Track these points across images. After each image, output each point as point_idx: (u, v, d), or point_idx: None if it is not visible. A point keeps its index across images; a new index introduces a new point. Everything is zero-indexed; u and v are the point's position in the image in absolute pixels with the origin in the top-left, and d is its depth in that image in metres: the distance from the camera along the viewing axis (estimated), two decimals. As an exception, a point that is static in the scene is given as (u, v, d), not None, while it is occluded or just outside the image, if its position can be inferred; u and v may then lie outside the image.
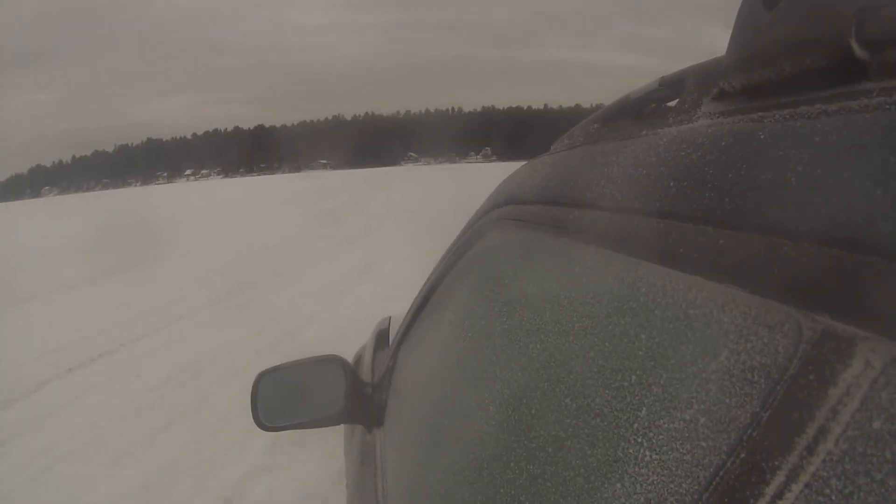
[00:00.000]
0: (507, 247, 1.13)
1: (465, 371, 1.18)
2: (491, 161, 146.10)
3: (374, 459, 1.61)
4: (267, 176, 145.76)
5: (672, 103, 0.75)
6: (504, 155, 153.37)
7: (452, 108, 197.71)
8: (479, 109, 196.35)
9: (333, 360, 1.66)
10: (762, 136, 0.48)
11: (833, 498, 0.34)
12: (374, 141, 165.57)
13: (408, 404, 1.50)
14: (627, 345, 0.61)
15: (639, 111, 0.85)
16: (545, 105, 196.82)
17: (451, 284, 1.48)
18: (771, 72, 0.50)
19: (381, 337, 2.31)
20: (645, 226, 0.58)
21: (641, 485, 0.51)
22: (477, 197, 1.50)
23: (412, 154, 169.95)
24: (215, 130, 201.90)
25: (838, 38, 0.42)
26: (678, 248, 0.51)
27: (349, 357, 2.22)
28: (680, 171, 0.56)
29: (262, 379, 1.66)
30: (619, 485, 0.54)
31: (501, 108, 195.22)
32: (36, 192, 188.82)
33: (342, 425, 2.09)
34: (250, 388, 1.65)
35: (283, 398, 1.66)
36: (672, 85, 0.75)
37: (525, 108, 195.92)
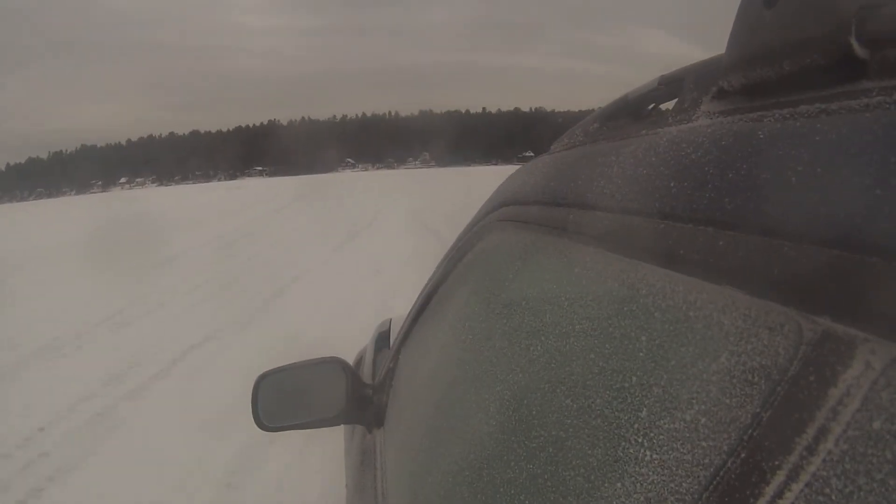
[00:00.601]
0: (507, 248, 1.14)
1: (466, 372, 1.19)
2: (430, 166, 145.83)
3: (375, 460, 1.61)
4: (201, 184, 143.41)
5: (671, 103, 0.75)
6: (444, 160, 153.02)
7: (390, 112, 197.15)
8: (416, 113, 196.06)
9: (334, 362, 1.66)
10: (762, 136, 0.48)
11: (833, 498, 0.34)
12: (311, 147, 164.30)
13: (408, 405, 1.50)
14: (628, 346, 0.61)
15: (638, 111, 0.85)
16: (483, 108, 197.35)
17: (452, 286, 1.48)
18: (770, 71, 0.50)
19: (382, 338, 2.31)
20: (645, 227, 0.58)
21: (642, 485, 0.51)
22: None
23: (349, 160, 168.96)
24: (150, 136, 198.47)
25: (838, 36, 0.42)
26: (678, 249, 0.51)
27: (350, 359, 2.25)
28: (680, 172, 0.56)
29: (262, 381, 1.65)
30: (619, 485, 0.54)
31: (439, 112, 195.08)
32: None
33: (342, 426, 2.11)
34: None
35: (283, 399, 1.65)
36: (671, 84, 0.76)
37: (463, 111, 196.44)
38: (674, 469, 0.47)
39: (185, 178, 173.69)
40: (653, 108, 0.84)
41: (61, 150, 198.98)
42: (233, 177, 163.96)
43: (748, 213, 0.45)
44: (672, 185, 0.56)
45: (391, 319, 2.50)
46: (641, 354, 0.58)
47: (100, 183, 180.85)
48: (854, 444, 0.33)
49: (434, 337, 1.51)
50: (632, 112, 0.86)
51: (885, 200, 0.34)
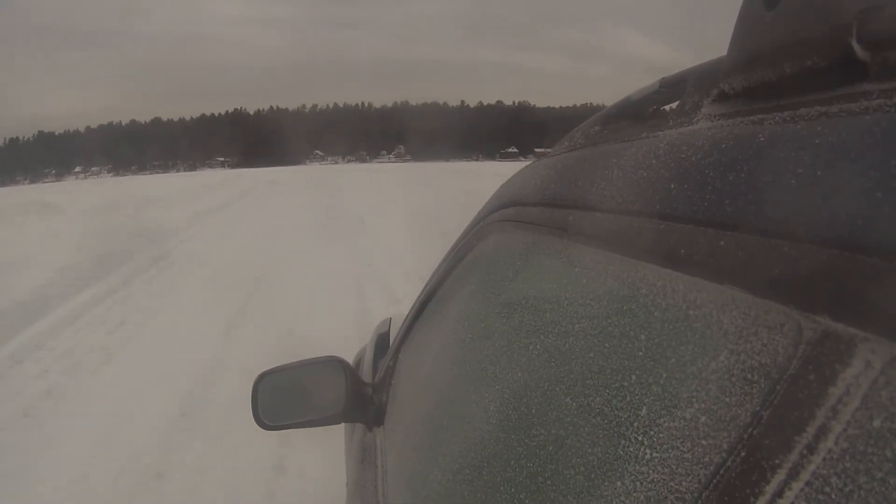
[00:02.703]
0: (508, 248, 1.13)
1: (467, 372, 1.18)
2: (405, 161, 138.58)
3: (375, 459, 1.60)
4: (158, 175, 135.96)
5: (672, 105, 0.75)
6: (420, 154, 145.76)
7: (362, 104, 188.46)
8: (390, 105, 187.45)
9: (333, 361, 1.65)
10: (762, 138, 0.48)
11: (833, 497, 0.34)
12: (278, 137, 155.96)
13: (408, 404, 1.49)
14: (628, 346, 0.61)
15: (639, 113, 0.84)
16: (462, 101, 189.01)
17: (453, 286, 1.47)
18: (771, 73, 0.50)
19: (382, 338, 2.30)
20: (646, 228, 0.58)
21: (642, 484, 0.51)
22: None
23: (318, 152, 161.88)
24: (110, 124, 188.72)
25: (839, 38, 0.42)
26: (679, 249, 0.51)
27: (349, 359, 2.25)
28: (680, 173, 0.56)
29: (262, 380, 1.65)
30: (619, 484, 0.54)
31: (415, 104, 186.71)
32: None
33: (342, 425, 2.09)
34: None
35: (283, 399, 1.64)
36: (672, 86, 0.76)
37: (441, 103, 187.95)
38: (674, 468, 0.48)
39: (142, 169, 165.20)
40: (654, 111, 0.83)
41: (17, 137, 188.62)
42: (192, 167, 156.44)
43: (749, 215, 0.45)
44: (673, 187, 0.56)
45: (391, 319, 2.51)
46: (641, 354, 0.58)
47: (53, 172, 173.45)
48: (854, 443, 0.34)
49: (434, 337, 1.51)
50: (633, 114, 0.86)
51: (885, 201, 0.35)
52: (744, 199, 0.46)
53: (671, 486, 0.47)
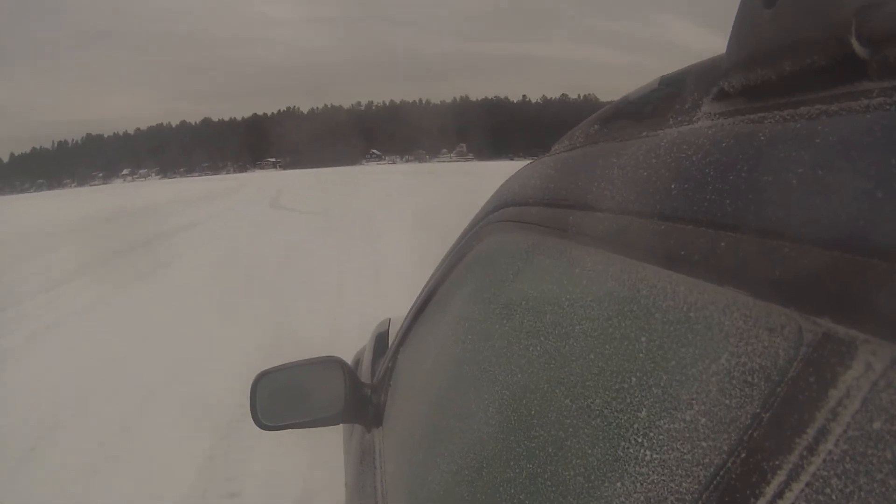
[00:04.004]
0: (507, 248, 1.12)
1: (466, 372, 1.17)
2: (468, 160, 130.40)
3: (374, 459, 1.60)
4: (208, 177, 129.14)
5: (672, 104, 0.74)
6: (483, 153, 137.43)
7: (420, 100, 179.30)
8: (449, 101, 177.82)
9: (332, 362, 1.65)
10: (762, 137, 0.48)
11: (833, 498, 0.34)
12: (333, 137, 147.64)
13: (408, 405, 1.49)
14: (628, 347, 0.61)
15: (639, 112, 0.83)
16: (524, 96, 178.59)
17: (452, 286, 1.46)
18: (771, 72, 0.50)
19: (381, 339, 2.30)
20: (646, 228, 0.58)
21: (642, 485, 0.51)
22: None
23: (374, 151, 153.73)
24: (159, 125, 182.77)
25: (838, 37, 0.42)
26: (679, 250, 0.51)
27: (348, 359, 2.29)
28: (680, 173, 0.56)
29: (260, 380, 1.64)
30: (619, 485, 0.54)
31: (476, 100, 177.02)
32: None
33: (341, 425, 2.09)
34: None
35: (281, 399, 1.64)
36: (672, 85, 0.75)
37: (503, 97, 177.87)
38: (674, 470, 0.48)
39: (191, 171, 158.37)
40: (653, 110, 0.82)
41: (66, 141, 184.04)
42: (243, 169, 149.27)
43: (749, 215, 0.45)
44: (673, 186, 0.56)
45: (390, 319, 2.50)
46: (642, 355, 0.58)
47: (101, 175, 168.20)
48: (854, 445, 0.34)
49: (433, 337, 1.50)
50: (632, 113, 0.85)
51: (885, 202, 0.34)
52: (744, 199, 0.46)
53: (671, 488, 0.47)
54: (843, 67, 0.43)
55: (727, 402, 0.43)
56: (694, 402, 0.47)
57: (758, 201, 0.44)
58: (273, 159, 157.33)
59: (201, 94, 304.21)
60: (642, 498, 0.50)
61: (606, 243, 0.68)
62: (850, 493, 0.33)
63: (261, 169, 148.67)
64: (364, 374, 2.11)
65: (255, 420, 1.60)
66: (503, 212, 1.15)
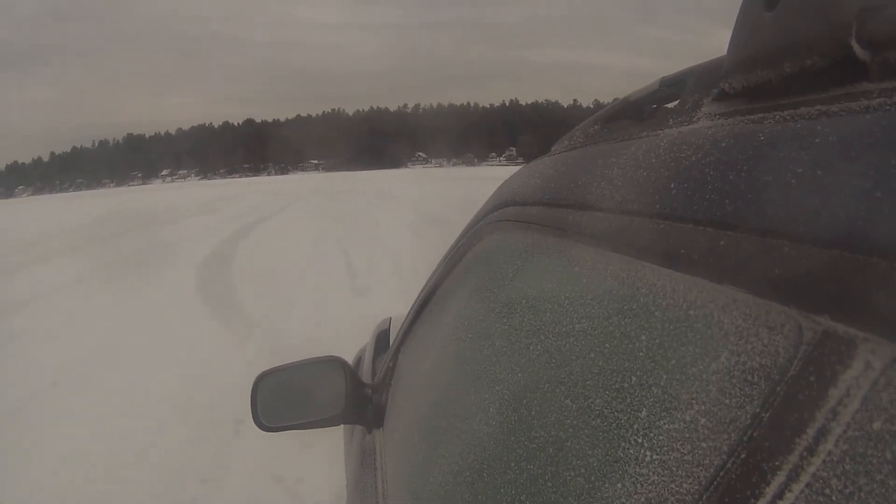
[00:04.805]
0: (507, 248, 1.12)
1: (466, 372, 1.17)
2: (517, 163, 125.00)
3: (374, 460, 1.59)
4: (248, 178, 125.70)
5: (673, 104, 0.74)
6: (533, 157, 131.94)
7: (468, 103, 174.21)
8: (498, 105, 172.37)
9: (333, 362, 1.64)
10: (762, 138, 0.48)
11: (833, 498, 0.34)
12: (377, 139, 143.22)
13: (408, 405, 1.48)
14: (628, 346, 0.61)
15: (639, 112, 0.84)
16: (574, 100, 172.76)
17: (452, 286, 1.46)
18: (771, 72, 0.50)
19: (381, 339, 2.29)
20: (646, 227, 0.58)
21: (642, 485, 0.51)
22: None
23: (421, 154, 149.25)
24: (201, 125, 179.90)
25: (839, 38, 0.42)
26: (679, 249, 0.51)
27: (349, 359, 2.27)
28: (680, 173, 0.56)
29: (261, 380, 1.63)
30: (619, 484, 0.54)
31: (525, 104, 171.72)
32: (9, 192, 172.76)
33: (342, 426, 2.08)
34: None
35: (282, 399, 1.63)
36: (673, 86, 0.75)
37: (554, 101, 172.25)
38: (674, 469, 0.48)
39: (231, 172, 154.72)
40: (654, 110, 0.82)
41: (107, 140, 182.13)
42: (284, 171, 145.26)
43: (748, 214, 0.45)
44: (673, 186, 0.56)
45: (390, 319, 2.49)
46: (641, 354, 0.58)
47: (140, 175, 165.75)
48: (854, 444, 0.34)
49: (433, 337, 1.49)
50: (633, 114, 0.85)
51: (885, 201, 0.35)
52: (744, 199, 0.46)
53: (671, 487, 0.47)
54: (844, 69, 0.43)
55: (727, 400, 0.44)
56: (694, 401, 0.47)
57: (758, 201, 0.44)
58: (315, 161, 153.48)
59: (246, 98, 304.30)
60: (642, 497, 0.50)
61: (606, 243, 0.68)
62: (850, 492, 0.33)
63: (302, 171, 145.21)
64: (365, 374, 2.10)
65: (255, 420, 1.59)
66: (503, 212, 1.15)
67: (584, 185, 0.77)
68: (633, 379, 0.58)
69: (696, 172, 0.53)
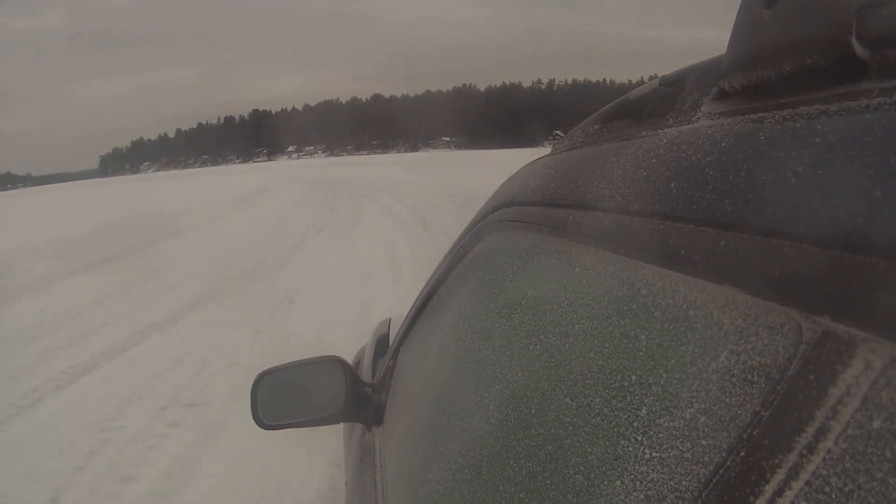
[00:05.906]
0: (507, 248, 1.12)
1: (466, 371, 1.17)
2: None
3: (374, 458, 1.59)
4: (378, 155, 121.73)
5: (672, 104, 0.74)
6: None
7: (604, 80, 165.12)
8: (636, 81, 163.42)
9: (333, 361, 1.64)
10: (762, 137, 0.48)
11: (833, 498, 0.34)
12: (512, 116, 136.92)
13: (408, 404, 1.48)
14: (628, 346, 0.61)
15: (639, 111, 0.83)
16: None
17: (452, 286, 1.46)
18: (771, 71, 0.50)
19: (381, 338, 2.29)
20: (645, 227, 0.58)
21: (642, 484, 0.51)
22: None
23: (558, 132, 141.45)
24: (328, 101, 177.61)
25: (838, 37, 0.42)
26: (679, 249, 0.51)
27: (349, 358, 2.26)
28: (680, 173, 0.56)
29: (261, 379, 1.63)
30: (619, 484, 0.54)
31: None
32: (135, 168, 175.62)
33: (342, 424, 2.08)
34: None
35: (282, 398, 1.63)
36: (672, 85, 0.75)
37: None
38: (674, 468, 0.48)
39: (359, 148, 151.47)
40: (653, 110, 0.82)
41: (233, 116, 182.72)
42: (415, 148, 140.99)
43: (748, 214, 0.45)
44: (672, 185, 0.56)
45: (390, 319, 2.49)
46: (641, 354, 0.58)
47: (265, 151, 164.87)
48: (854, 443, 0.34)
49: (433, 336, 1.49)
50: (632, 113, 0.85)
51: (885, 201, 0.35)
52: (744, 199, 0.46)
53: (671, 487, 0.47)
54: (844, 68, 0.43)
55: (727, 400, 0.44)
56: (694, 400, 0.47)
57: (757, 201, 0.44)
58: (447, 138, 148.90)
59: (373, 76, 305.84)
60: (642, 496, 0.50)
61: (606, 243, 0.68)
62: (850, 491, 0.33)
63: (433, 148, 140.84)
64: (365, 374, 2.09)
65: (255, 419, 1.59)
66: (503, 212, 1.15)
67: (584, 185, 0.77)
68: (634, 379, 0.57)
69: (696, 172, 0.53)
